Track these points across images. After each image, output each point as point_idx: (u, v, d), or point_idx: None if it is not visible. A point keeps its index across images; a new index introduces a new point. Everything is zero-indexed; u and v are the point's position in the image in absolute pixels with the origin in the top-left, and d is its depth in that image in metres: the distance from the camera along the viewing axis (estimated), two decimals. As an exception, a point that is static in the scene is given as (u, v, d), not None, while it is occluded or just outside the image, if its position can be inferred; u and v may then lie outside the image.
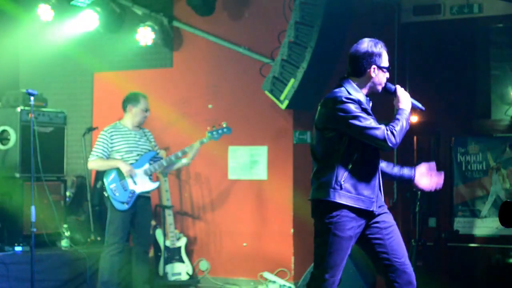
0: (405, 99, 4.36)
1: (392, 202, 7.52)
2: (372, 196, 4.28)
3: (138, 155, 6.91)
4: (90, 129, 8.15)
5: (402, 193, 7.56)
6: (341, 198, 4.24)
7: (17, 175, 7.35)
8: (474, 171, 7.56)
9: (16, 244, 7.08)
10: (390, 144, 4.19)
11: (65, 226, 7.54)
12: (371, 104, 4.42)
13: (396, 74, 7.63)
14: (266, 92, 7.46)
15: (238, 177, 7.99)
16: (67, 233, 7.49)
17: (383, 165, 4.49)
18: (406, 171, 4.53)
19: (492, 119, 7.82)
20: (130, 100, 6.98)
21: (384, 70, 4.35)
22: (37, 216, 6.45)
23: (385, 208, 4.40)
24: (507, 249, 7.33)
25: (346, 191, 4.24)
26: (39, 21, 7.94)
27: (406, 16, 7.73)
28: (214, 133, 7.11)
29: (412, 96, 4.48)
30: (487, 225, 7.41)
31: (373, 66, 4.31)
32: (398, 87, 4.40)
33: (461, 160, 7.59)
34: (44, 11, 7.83)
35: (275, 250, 7.79)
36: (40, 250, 7.03)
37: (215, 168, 8.06)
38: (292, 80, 7.22)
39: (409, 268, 4.35)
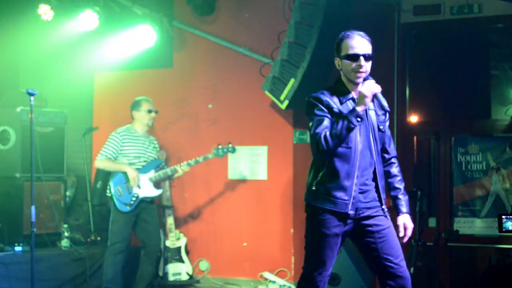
0: (361, 98, 4.16)
1: (392, 202, 7.50)
2: (346, 197, 4.22)
3: (144, 161, 7.02)
4: (90, 129, 8.16)
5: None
6: (315, 200, 4.29)
7: (17, 175, 7.36)
8: (474, 171, 7.55)
9: (16, 244, 7.09)
10: (319, 150, 4.16)
11: (65, 226, 7.54)
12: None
13: (396, 74, 7.62)
14: (266, 92, 7.46)
15: (238, 177, 7.99)
16: (67, 233, 7.49)
17: (393, 172, 4.46)
18: (398, 206, 4.46)
19: (492, 119, 7.82)
20: (133, 107, 7.17)
21: (346, 58, 4.23)
22: (37, 216, 6.45)
23: (379, 211, 4.32)
24: (507, 249, 7.33)
25: (320, 193, 4.26)
26: (39, 21, 7.94)
27: (406, 16, 7.72)
28: (220, 151, 7.27)
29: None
30: (487, 225, 7.40)
31: (336, 58, 4.31)
32: (366, 82, 4.21)
33: (461, 160, 7.58)
34: (44, 11, 7.83)
35: (275, 250, 7.80)
36: (40, 250, 7.04)
37: (215, 168, 8.06)
38: (292, 80, 7.22)
39: (404, 272, 4.30)
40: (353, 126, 4.11)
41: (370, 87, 4.16)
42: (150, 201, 7.09)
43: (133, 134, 7.03)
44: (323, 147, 4.14)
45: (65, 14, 7.93)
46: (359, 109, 4.13)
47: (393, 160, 4.49)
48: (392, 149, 4.49)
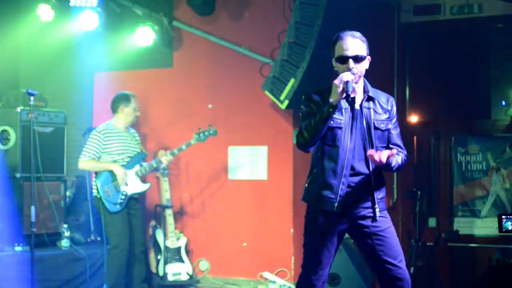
0: (334, 89, 4.14)
1: (392, 202, 7.51)
2: (332, 196, 4.22)
3: (128, 157, 6.94)
4: (90, 129, 8.14)
5: (402, 193, 7.56)
6: (307, 197, 4.34)
7: (17, 175, 7.35)
8: (474, 171, 7.55)
9: (16, 244, 7.08)
10: (297, 144, 4.24)
11: (65, 226, 7.54)
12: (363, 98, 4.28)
13: (396, 74, 7.62)
14: (266, 92, 7.46)
15: (238, 177, 7.99)
16: (67, 233, 7.49)
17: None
18: None
19: (492, 119, 7.83)
20: (121, 100, 7.02)
21: (337, 60, 4.25)
22: (37, 216, 6.45)
23: (374, 212, 4.27)
24: (507, 249, 7.33)
25: (310, 190, 4.31)
26: (39, 21, 7.94)
27: (406, 16, 7.73)
28: (201, 135, 7.20)
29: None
30: (487, 225, 7.40)
31: (332, 59, 4.31)
32: (341, 74, 4.17)
33: (461, 160, 7.58)
34: (44, 11, 7.83)
35: (275, 250, 7.79)
36: (40, 250, 7.03)
37: (215, 168, 8.06)
38: (292, 80, 7.21)
39: (403, 274, 4.27)
40: (324, 116, 4.10)
41: (340, 77, 4.15)
42: (137, 198, 7.03)
43: (114, 130, 6.94)
44: (299, 139, 4.21)
45: (65, 14, 7.94)
46: (331, 99, 4.12)
47: (398, 148, 4.35)
48: (399, 145, 4.37)
